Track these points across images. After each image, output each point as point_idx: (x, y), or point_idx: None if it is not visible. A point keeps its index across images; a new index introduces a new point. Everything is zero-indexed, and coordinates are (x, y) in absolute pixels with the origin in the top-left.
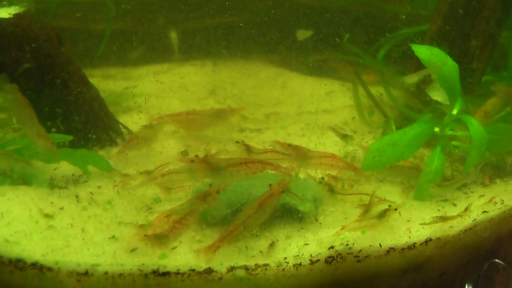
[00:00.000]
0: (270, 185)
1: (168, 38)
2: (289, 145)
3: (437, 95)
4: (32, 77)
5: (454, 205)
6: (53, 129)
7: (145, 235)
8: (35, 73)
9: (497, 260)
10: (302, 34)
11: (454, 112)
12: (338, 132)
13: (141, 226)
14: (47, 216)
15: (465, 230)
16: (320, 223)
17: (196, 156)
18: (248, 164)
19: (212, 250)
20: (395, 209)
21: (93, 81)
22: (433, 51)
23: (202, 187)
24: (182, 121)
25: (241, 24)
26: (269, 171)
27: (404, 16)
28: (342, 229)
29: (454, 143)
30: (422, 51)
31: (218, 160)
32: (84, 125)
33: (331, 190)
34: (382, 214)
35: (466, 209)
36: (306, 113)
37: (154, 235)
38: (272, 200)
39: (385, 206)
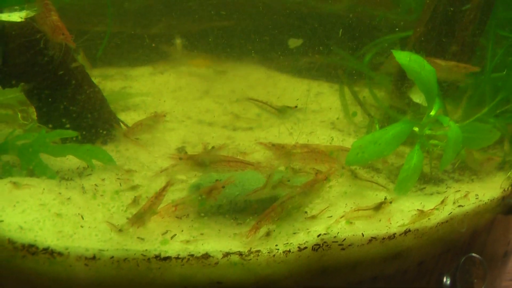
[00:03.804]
0: (316, 173)
1: (169, 42)
2: (273, 144)
3: (417, 97)
4: (47, 76)
5: (438, 193)
6: (67, 125)
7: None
8: (50, 72)
9: (474, 254)
10: (293, 43)
11: (432, 113)
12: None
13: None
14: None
15: (442, 223)
16: (307, 214)
17: (184, 153)
18: (230, 163)
19: (253, 231)
20: (390, 202)
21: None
22: (412, 56)
23: (200, 182)
24: None
25: (234, 28)
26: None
27: (392, 22)
28: (341, 217)
29: (432, 141)
30: (402, 57)
31: (203, 157)
32: (96, 121)
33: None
34: (378, 206)
35: (442, 201)
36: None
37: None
38: (316, 186)
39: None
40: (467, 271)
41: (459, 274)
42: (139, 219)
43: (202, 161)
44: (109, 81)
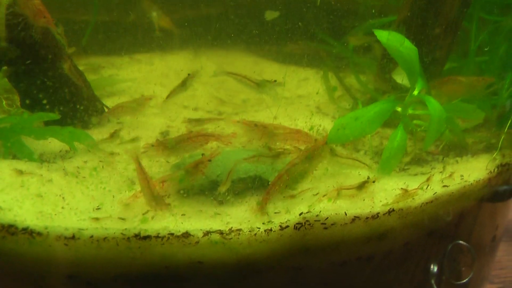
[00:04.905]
0: (315, 139)
1: (150, 21)
2: (256, 124)
3: (401, 78)
4: (26, 55)
5: (422, 174)
6: (44, 101)
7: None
8: (29, 51)
9: (461, 242)
10: (270, 15)
11: (415, 92)
12: None
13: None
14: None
15: (427, 203)
16: (289, 194)
17: (157, 140)
18: (192, 138)
19: (264, 203)
20: (373, 181)
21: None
22: (392, 34)
23: (180, 163)
24: None
25: (220, 16)
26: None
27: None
28: (323, 196)
29: (416, 122)
30: (382, 35)
31: (170, 140)
32: (73, 96)
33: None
34: (362, 185)
35: (428, 179)
36: (281, 98)
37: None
38: (317, 151)
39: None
40: (454, 259)
41: (446, 262)
42: (158, 201)
43: (170, 144)
44: (95, 69)
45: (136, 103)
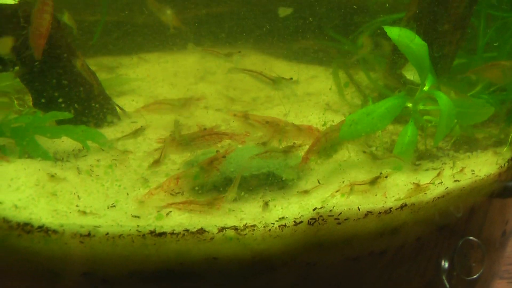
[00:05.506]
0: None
1: (160, 20)
2: (267, 121)
3: (411, 74)
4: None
5: (433, 169)
6: (60, 99)
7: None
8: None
9: (471, 237)
10: (283, 11)
11: (425, 88)
12: None
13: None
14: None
15: (438, 197)
16: (303, 189)
17: (170, 135)
18: (206, 137)
19: (304, 161)
20: (386, 177)
21: None
22: (402, 30)
23: (193, 160)
24: None
25: (229, 14)
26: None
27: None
28: (336, 191)
29: (426, 117)
30: (393, 31)
31: (184, 136)
32: (88, 94)
33: None
34: (374, 181)
35: (438, 174)
36: (290, 96)
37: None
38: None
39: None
40: (464, 255)
41: (456, 257)
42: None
43: (183, 141)
44: (105, 69)
45: (180, 102)
